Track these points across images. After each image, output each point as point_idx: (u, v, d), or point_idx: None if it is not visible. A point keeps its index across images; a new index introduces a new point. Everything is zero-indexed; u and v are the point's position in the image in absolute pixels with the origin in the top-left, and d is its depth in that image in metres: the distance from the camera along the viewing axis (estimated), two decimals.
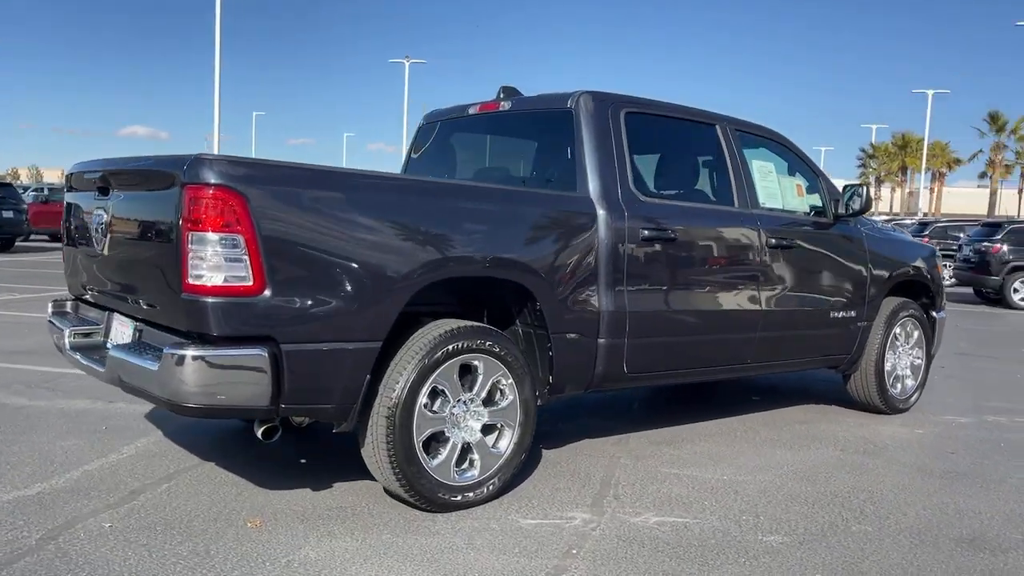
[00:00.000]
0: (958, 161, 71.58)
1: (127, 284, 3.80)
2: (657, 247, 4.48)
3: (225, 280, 3.11)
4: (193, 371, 3.12)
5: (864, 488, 4.38)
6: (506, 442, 3.92)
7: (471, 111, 5.23)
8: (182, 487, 3.93)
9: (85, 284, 4.23)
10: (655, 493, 4.16)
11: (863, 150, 80.00)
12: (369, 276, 3.45)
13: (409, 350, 3.59)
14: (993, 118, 58.23)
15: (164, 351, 3.18)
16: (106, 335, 4.01)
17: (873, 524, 3.84)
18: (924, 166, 64.06)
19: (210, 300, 3.12)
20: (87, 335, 4.05)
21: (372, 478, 3.83)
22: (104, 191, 3.83)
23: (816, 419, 6.03)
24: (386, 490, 3.86)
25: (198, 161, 3.14)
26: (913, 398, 6.49)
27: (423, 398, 3.61)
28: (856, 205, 5.55)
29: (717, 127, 5.14)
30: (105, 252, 3.83)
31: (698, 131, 5.12)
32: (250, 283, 3.14)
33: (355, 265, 3.41)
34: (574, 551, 3.38)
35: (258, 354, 3.18)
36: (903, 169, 77.62)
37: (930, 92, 52.44)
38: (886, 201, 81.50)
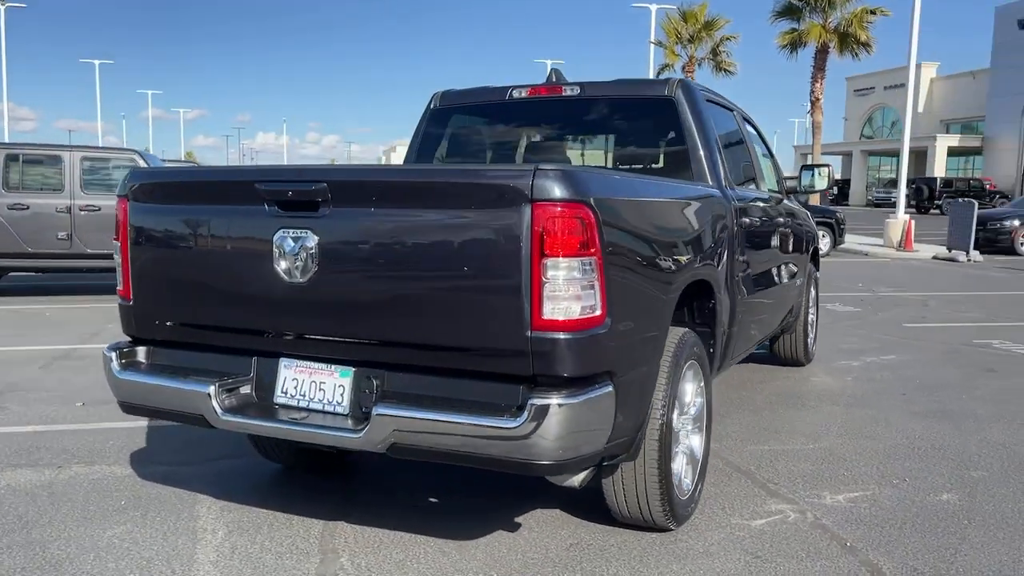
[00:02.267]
0: None
1: (359, 321, 2.98)
2: (744, 233, 4.62)
3: (581, 312, 2.66)
4: (559, 422, 2.64)
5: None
6: (699, 446, 3.84)
7: (516, 95, 4.83)
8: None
9: (220, 321, 3.27)
10: (803, 473, 4.35)
11: None
12: (660, 289, 3.24)
13: (663, 364, 3.36)
14: None
15: (530, 402, 2.64)
16: (260, 388, 3.21)
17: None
18: None
19: (565, 336, 2.66)
20: (231, 390, 3.17)
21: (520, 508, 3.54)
22: (306, 206, 2.96)
23: (771, 378, 6.63)
24: (623, 524, 3.56)
25: (546, 173, 2.63)
26: (814, 348, 7.39)
27: (673, 414, 3.42)
28: (822, 184, 6.14)
29: (735, 113, 5.37)
30: (304, 281, 2.96)
31: (727, 117, 5.31)
32: (598, 313, 2.72)
33: (652, 279, 3.17)
34: (813, 538, 3.48)
35: (609, 392, 2.80)
36: None
37: (548, 62, 57.83)
38: None
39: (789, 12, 28.09)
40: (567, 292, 2.63)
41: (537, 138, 5.16)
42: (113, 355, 3.36)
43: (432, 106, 5.06)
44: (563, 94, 4.72)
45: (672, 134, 4.44)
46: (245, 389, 3.20)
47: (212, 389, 3.09)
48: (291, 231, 2.96)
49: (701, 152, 4.35)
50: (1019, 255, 19.55)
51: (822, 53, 27.19)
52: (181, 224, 3.26)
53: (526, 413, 2.62)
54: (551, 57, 55.29)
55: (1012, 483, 4.20)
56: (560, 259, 2.61)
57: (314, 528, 3.57)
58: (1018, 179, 47.86)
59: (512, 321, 2.67)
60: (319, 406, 3.08)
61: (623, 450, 3.14)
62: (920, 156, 55.87)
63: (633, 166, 4.73)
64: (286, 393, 3.16)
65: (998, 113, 53.82)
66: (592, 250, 2.66)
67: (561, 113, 4.93)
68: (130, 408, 3.41)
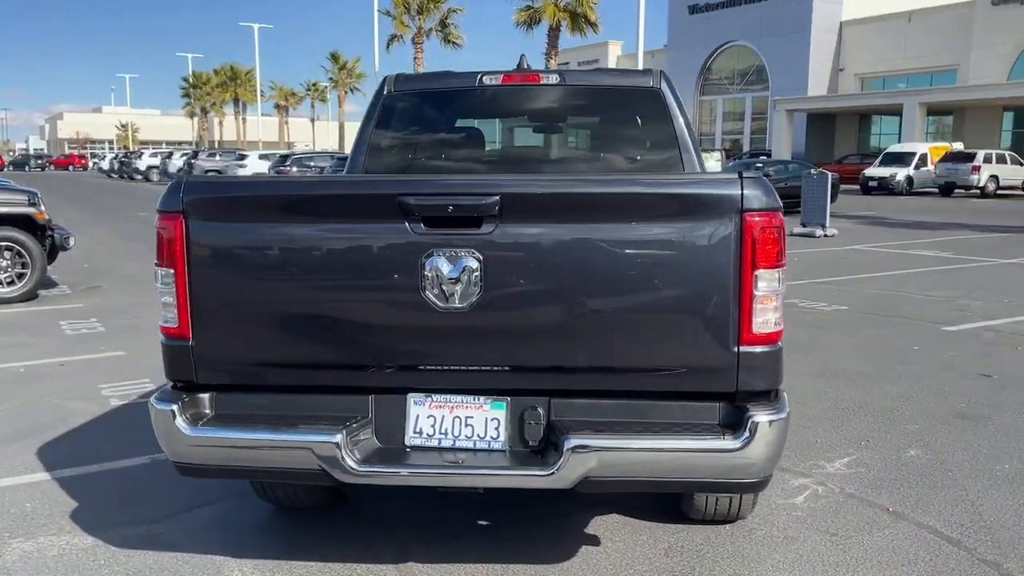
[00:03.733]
0: (295, 94, 76.79)
1: (526, 348, 2.65)
2: None
3: (775, 324, 2.63)
4: (774, 438, 2.60)
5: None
6: None
7: (487, 81, 4.53)
8: None
9: (330, 358, 2.73)
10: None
11: (186, 79, 79.65)
12: None
13: None
14: (335, 57, 63.77)
15: (751, 419, 2.56)
16: (383, 430, 2.76)
17: None
18: (259, 97, 67.62)
19: (767, 350, 2.62)
20: (355, 436, 2.68)
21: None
22: (468, 222, 2.56)
23: None
24: (694, 520, 3.58)
25: (752, 182, 2.55)
26: None
27: None
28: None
29: None
30: (462, 307, 2.58)
31: None
32: (782, 326, 2.68)
33: None
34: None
35: (788, 408, 2.75)
36: (236, 100, 79.82)
37: (256, 26, 55.51)
38: (217, 131, 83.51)
39: None
40: (770, 304, 2.60)
41: (512, 130, 4.89)
42: (174, 409, 2.69)
43: (386, 92, 4.56)
44: (540, 83, 4.49)
45: (659, 126, 4.39)
46: (364, 433, 2.74)
47: (340, 437, 2.60)
48: (448, 251, 2.57)
49: (689, 144, 4.38)
50: None
51: (555, 31, 28.60)
52: (275, 247, 2.66)
53: (746, 431, 2.55)
54: (259, 21, 52.97)
55: (952, 428, 4.83)
56: (767, 270, 2.57)
57: (388, 574, 3.18)
58: None
59: (721, 336, 2.58)
60: (468, 444, 2.73)
61: None
62: None
63: (617, 159, 4.63)
64: (420, 433, 2.76)
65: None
66: (783, 261, 2.63)
67: (537, 103, 4.67)
68: (200, 471, 2.79)
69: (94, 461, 4.33)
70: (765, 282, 2.56)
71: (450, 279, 2.57)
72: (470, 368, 2.70)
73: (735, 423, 2.59)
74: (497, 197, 2.54)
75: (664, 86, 4.39)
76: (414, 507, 3.77)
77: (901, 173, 31.63)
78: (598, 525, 3.60)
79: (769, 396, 2.69)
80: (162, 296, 2.75)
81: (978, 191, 30.04)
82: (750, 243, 2.52)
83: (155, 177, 43.33)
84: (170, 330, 2.77)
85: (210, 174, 22.97)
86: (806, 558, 3.32)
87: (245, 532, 3.57)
